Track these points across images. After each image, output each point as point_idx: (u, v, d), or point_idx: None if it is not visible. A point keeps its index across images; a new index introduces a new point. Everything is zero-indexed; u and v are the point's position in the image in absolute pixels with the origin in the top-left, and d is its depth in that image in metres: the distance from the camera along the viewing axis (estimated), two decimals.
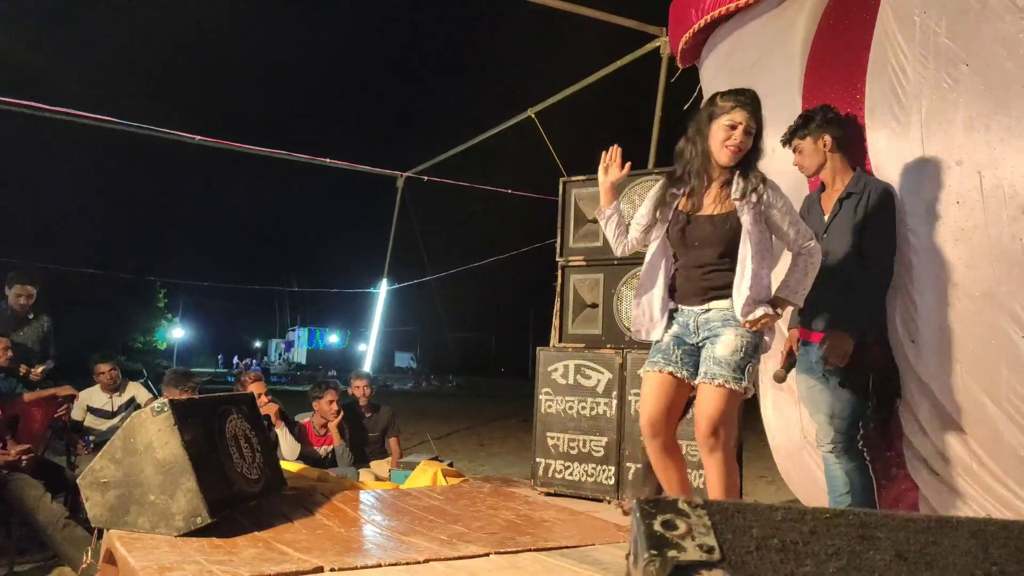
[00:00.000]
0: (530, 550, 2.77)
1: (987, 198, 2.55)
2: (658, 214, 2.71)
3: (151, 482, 2.78)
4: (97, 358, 5.28)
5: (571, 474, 4.03)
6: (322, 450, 5.14)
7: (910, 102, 2.80)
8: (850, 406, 2.82)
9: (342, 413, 5.20)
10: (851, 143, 3.00)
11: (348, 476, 4.66)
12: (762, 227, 2.57)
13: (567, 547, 2.84)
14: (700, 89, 4.04)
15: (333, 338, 50.64)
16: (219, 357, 43.22)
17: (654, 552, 0.60)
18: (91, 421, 5.15)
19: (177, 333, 40.73)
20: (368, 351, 10.99)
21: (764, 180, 2.55)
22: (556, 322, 4.38)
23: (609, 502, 3.86)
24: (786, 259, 2.75)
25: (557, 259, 4.39)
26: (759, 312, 2.50)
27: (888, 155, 2.93)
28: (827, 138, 2.95)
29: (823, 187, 3.05)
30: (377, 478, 4.98)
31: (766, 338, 2.61)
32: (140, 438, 2.82)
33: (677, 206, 2.67)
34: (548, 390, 4.18)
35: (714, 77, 3.83)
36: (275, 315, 51.52)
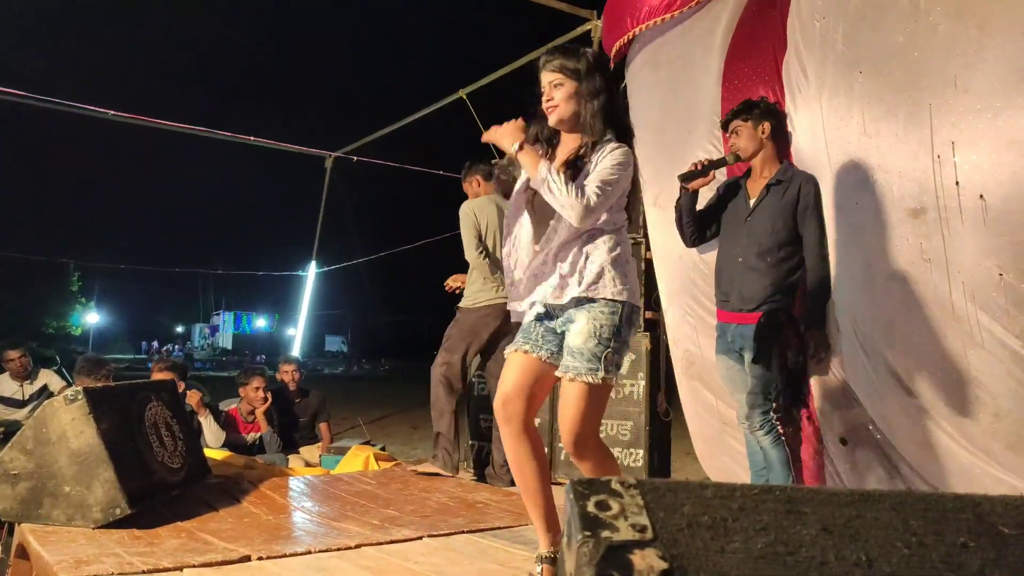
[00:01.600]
0: (463, 532, 2.78)
1: (879, 200, 2.67)
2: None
3: (65, 473, 2.66)
4: (5, 344, 5.03)
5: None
6: (250, 437, 5.03)
7: (811, 104, 2.93)
8: (762, 382, 2.91)
9: (269, 399, 5.09)
10: (783, 136, 3.11)
11: (277, 463, 4.57)
12: None
13: (500, 528, 2.86)
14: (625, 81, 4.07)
15: (260, 322, 49.46)
16: (143, 343, 41.61)
17: (587, 533, 0.60)
18: (1, 411, 4.90)
19: (92, 318, 39.07)
20: (297, 335, 10.78)
21: (602, 141, 2.26)
22: None
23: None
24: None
25: None
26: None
27: (802, 152, 3.06)
28: (766, 125, 3.03)
29: (749, 172, 3.13)
30: (307, 464, 4.90)
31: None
32: (53, 427, 2.69)
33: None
34: (481, 372, 4.18)
35: (640, 70, 3.87)
36: (199, 299, 49.97)
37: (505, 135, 2.28)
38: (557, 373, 2.25)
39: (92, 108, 6.99)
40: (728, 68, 3.38)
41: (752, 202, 3.04)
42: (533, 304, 2.33)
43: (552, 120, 2.31)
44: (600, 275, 2.22)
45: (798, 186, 2.93)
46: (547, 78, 2.30)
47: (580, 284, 2.22)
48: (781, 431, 2.97)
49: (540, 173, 2.18)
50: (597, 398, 2.20)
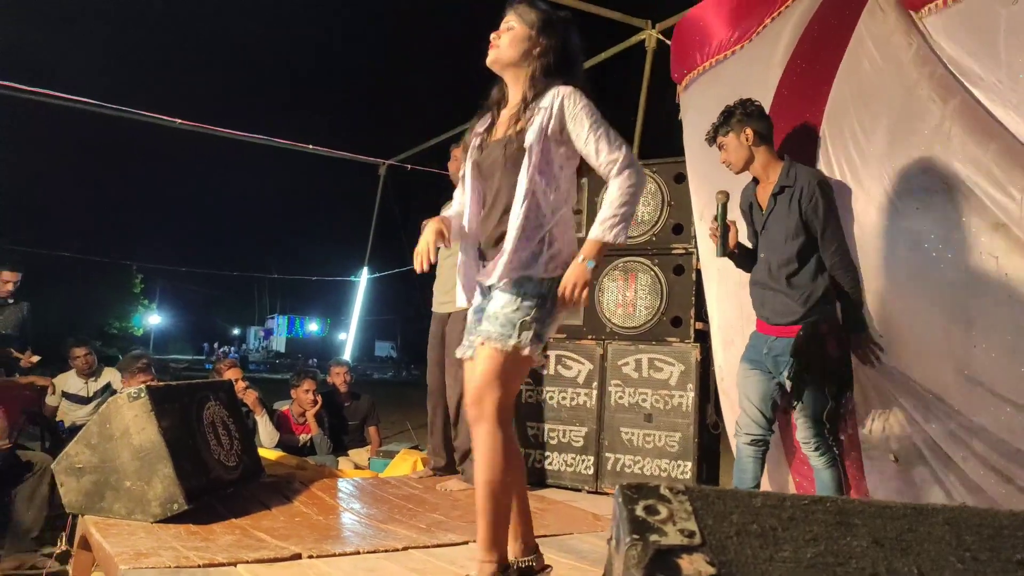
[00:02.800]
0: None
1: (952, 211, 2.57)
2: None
3: (127, 468, 2.75)
4: (72, 342, 5.24)
5: (550, 464, 4.05)
6: (301, 438, 5.13)
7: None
8: (815, 400, 2.77)
9: (319, 402, 5.18)
10: (773, 134, 2.97)
11: (327, 464, 4.65)
12: (547, 145, 2.07)
13: (545, 536, 2.86)
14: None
15: (313, 326, 50.38)
16: (204, 345, 42.71)
17: (636, 536, 0.60)
18: (66, 407, 5.10)
19: (154, 320, 40.31)
20: (348, 340, 10.94)
21: (557, 86, 2.10)
22: None
23: (580, 490, 3.88)
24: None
25: None
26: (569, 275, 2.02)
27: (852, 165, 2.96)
28: (749, 131, 2.88)
29: (757, 181, 3.00)
30: (356, 466, 4.97)
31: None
32: (116, 424, 2.79)
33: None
34: (529, 380, 4.19)
35: (697, 90, 3.86)
36: (254, 302, 51.09)
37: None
38: (473, 338, 2.11)
39: (157, 115, 7.25)
40: (783, 82, 3.32)
41: (764, 213, 2.91)
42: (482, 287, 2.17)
43: (489, 58, 2.17)
44: (537, 255, 2.06)
45: (802, 188, 2.77)
46: (505, 19, 2.18)
47: (514, 265, 2.05)
48: (837, 452, 2.83)
49: (619, 235, 2.03)
50: (510, 367, 2.02)
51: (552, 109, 2.07)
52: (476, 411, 2.04)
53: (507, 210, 2.09)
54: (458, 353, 2.22)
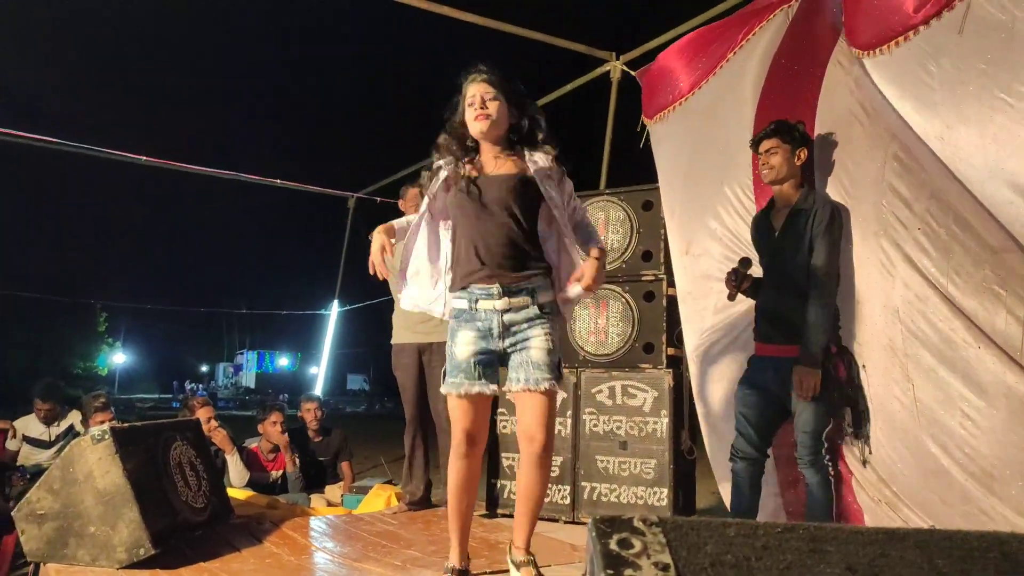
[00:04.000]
0: (485, 573, 2.75)
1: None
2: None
3: (91, 513, 2.68)
4: (38, 393, 5.11)
5: None
6: (272, 475, 5.03)
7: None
8: (815, 419, 2.81)
9: (286, 435, 5.09)
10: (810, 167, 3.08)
11: (299, 502, 4.56)
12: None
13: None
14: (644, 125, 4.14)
15: (283, 361, 49.74)
16: (174, 383, 41.85)
17: (610, 571, 0.60)
18: (27, 450, 4.95)
19: (119, 358, 39.51)
20: (319, 374, 10.81)
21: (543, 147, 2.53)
22: None
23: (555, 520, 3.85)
24: None
25: None
26: (576, 290, 2.45)
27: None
28: (804, 152, 2.96)
29: (772, 204, 3.08)
30: (329, 503, 4.89)
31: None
32: (79, 467, 2.72)
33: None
34: (503, 410, 4.17)
35: (668, 120, 3.94)
36: (223, 338, 50.41)
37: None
38: (516, 388, 2.42)
39: (122, 153, 7.18)
40: (760, 116, 3.41)
41: (776, 235, 2.98)
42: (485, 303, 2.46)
43: (483, 127, 2.44)
44: (547, 289, 2.47)
45: (816, 210, 2.85)
46: (480, 89, 2.45)
47: (533, 295, 2.44)
48: (832, 472, 2.85)
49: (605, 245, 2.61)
50: (556, 405, 2.44)
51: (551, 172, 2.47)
52: (547, 456, 2.44)
53: (517, 256, 2.46)
54: (452, 390, 2.45)
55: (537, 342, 2.40)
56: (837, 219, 2.85)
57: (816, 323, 2.79)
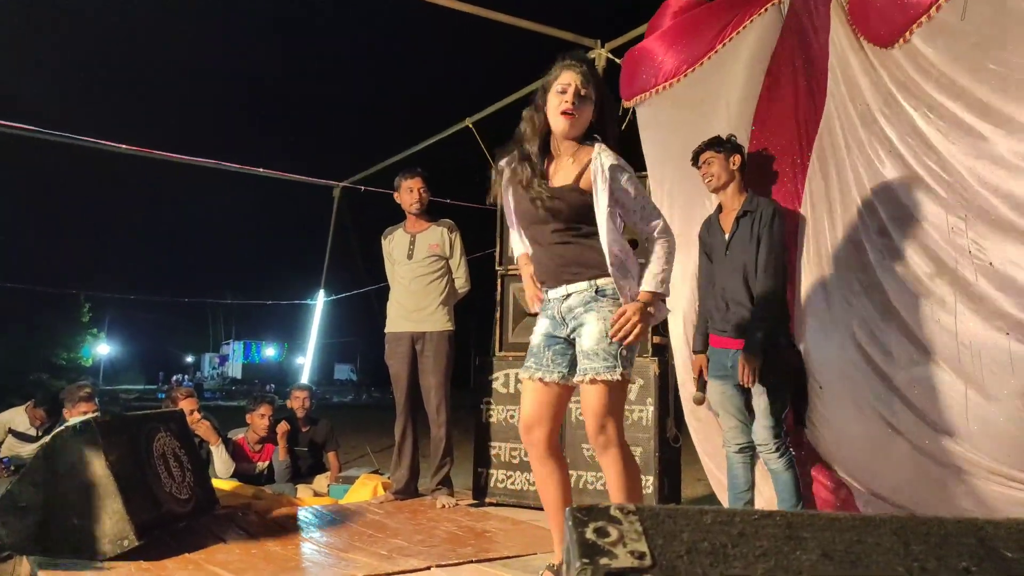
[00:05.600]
0: (472, 561, 2.75)
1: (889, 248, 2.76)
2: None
3: (74, 505, 2.66)
4: (34, 401, 5.13)
5: (513, 483, 4.02)
6: (258, 466, 5.01)
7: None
8: (771, 405, 2.98)
9: (285, 427, 5.06)
10: (744, 170, 3.23)
11: (285, 492, 4.55)
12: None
13: (509, 557, 2.84)
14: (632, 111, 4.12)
15: (270, 351, 49.51)
16: (160, 374, 41.52)
17: (586, 560, 0.60)
18: (12, 444, 4.92)
19: (103, 349, 39.21)
20: (306, 364, 10.77)
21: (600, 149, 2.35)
22: (496, 331, 4.38)
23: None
24: None
25: (496, 268, 4.40)
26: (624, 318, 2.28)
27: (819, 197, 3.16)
28: (737, 158, 3.19)
29: (720, 208, 3.27)
30: (315, 493, 4.88)
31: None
32: (62, 459, 2.70)
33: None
34: (489, 399, 4.17)
35: (658, 106, 3.92)
36: (208, 328, 50.14)
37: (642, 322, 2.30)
38: (576, 379, 2.32)
39: (104, 142, 7.09)
40: (760, 112, 3.45)
41: (727, 236, 3.16)
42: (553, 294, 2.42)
43: (564, 128, 2.33)
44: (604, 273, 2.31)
45: (761, 212, 3.07)
46: (576, 80, 2.32)
47: (589, 278, 2.33)
48: (795, 454, 3.03)
49: (664, 288, 2.33)
50: (617, 393, 2.28)
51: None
52: (604, 439, 2.28)
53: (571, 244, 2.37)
54: (523, 374, 2.43)
55: (588, 328, 2.29)
56: (778, 218, 3.06)
57: (759, 313, 3.00)
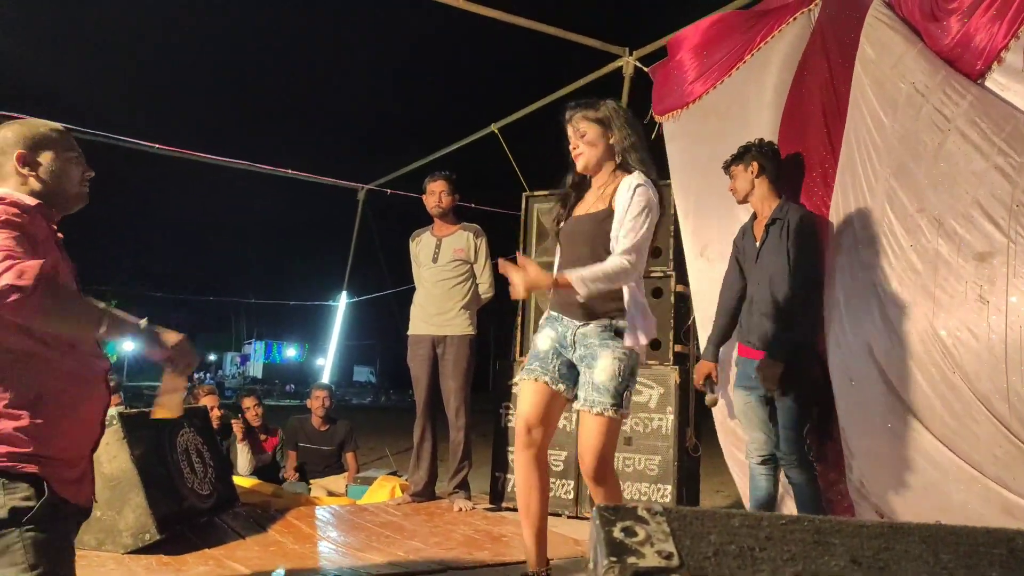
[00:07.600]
0: (488, 565, 2.76)
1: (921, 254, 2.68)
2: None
3: (98, 497, 2.68)
4: None
5: None
6: (268, 455, 5.10)
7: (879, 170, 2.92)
8: (794, 417, 2.92)
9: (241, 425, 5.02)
10: (781, 176, 3.15)
11: (299, 491, 4.58)
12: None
13: (524, 562, 2.83)
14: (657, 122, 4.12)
15: (291, 351, 49.83)
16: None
17: (613, 559, 0.60)
18: None
19: (128, 346, 39.69)
20: (326, 365, 10.83)
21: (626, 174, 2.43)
22: (518, 336, 4.38)
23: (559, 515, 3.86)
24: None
25: None
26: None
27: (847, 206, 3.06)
28: (755, 165, 3.10)
29: (754, 216, 3.20)
30: (330, 493, 4.91)
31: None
32: None
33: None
34: (508, 404, 4.17)
35: (685, 119, 3.92)
36: (231, 328, 50.57)
37: (536, 282, 2.30)
38: (578, 406, 2.40)
39: (138, 142, 7.19)
40: (786, 120, 3.42)
41: (758, 244, 3.11)
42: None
43: (579, 165, 2.49)
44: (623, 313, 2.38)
45: (790, 220, 3.00)
46: (570, 129, 2.50)
47: (607, 316, 2.38)
48: (817, 468, 2.96)
49: (582, 287, 2.25)
50: (616, 430, 2.38)
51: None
52: (601, 473, 2.39)
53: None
54: (526, 375, 2.47)
55: (603, 363, 2.34)
56: (805, 225, 2.98)
57: (783, 322, 2.94)
